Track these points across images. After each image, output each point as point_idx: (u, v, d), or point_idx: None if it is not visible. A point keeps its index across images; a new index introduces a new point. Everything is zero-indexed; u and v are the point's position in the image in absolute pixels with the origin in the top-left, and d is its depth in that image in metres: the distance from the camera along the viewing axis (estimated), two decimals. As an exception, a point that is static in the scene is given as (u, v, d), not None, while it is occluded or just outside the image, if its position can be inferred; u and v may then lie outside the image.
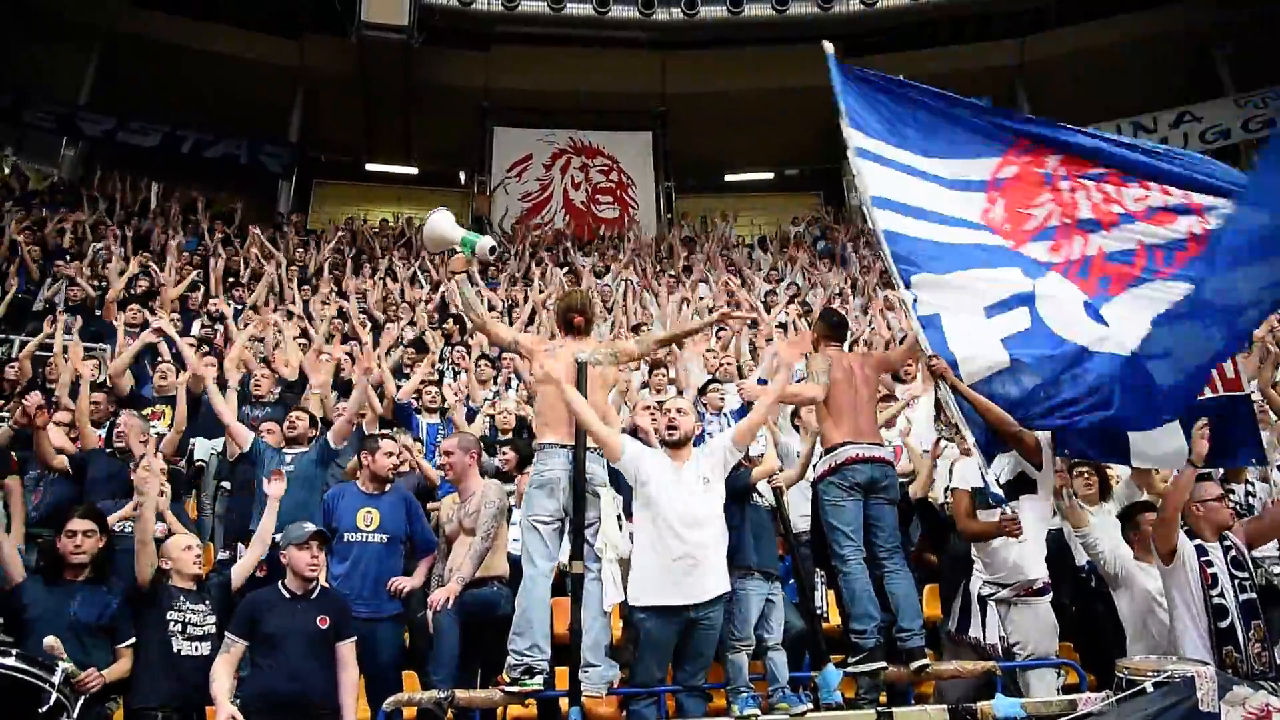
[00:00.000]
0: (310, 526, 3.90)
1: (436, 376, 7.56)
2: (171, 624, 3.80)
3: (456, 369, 8.18)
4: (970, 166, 4.66)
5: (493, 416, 6.66)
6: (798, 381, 4.70)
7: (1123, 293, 4.13)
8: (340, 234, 13.54)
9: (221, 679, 3.60)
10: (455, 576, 4.33)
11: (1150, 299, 3.99)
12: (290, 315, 8.61)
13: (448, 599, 4.23)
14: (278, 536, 4.13)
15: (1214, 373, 3.96)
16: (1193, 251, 4.02)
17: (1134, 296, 4.08)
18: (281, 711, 3.62)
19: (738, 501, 4.16)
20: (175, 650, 3.73)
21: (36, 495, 5.05)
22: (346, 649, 3.85)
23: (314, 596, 3.84)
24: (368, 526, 4.46)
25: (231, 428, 5.32)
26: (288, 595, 3.81)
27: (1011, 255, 4.40)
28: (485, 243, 4.30)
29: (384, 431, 4.96)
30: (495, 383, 7.71)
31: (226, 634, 3.74)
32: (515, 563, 4.55)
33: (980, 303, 4.28)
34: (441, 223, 4.43)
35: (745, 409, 5.61)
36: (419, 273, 11.96)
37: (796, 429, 5.73)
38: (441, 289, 10.77)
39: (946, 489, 5.02)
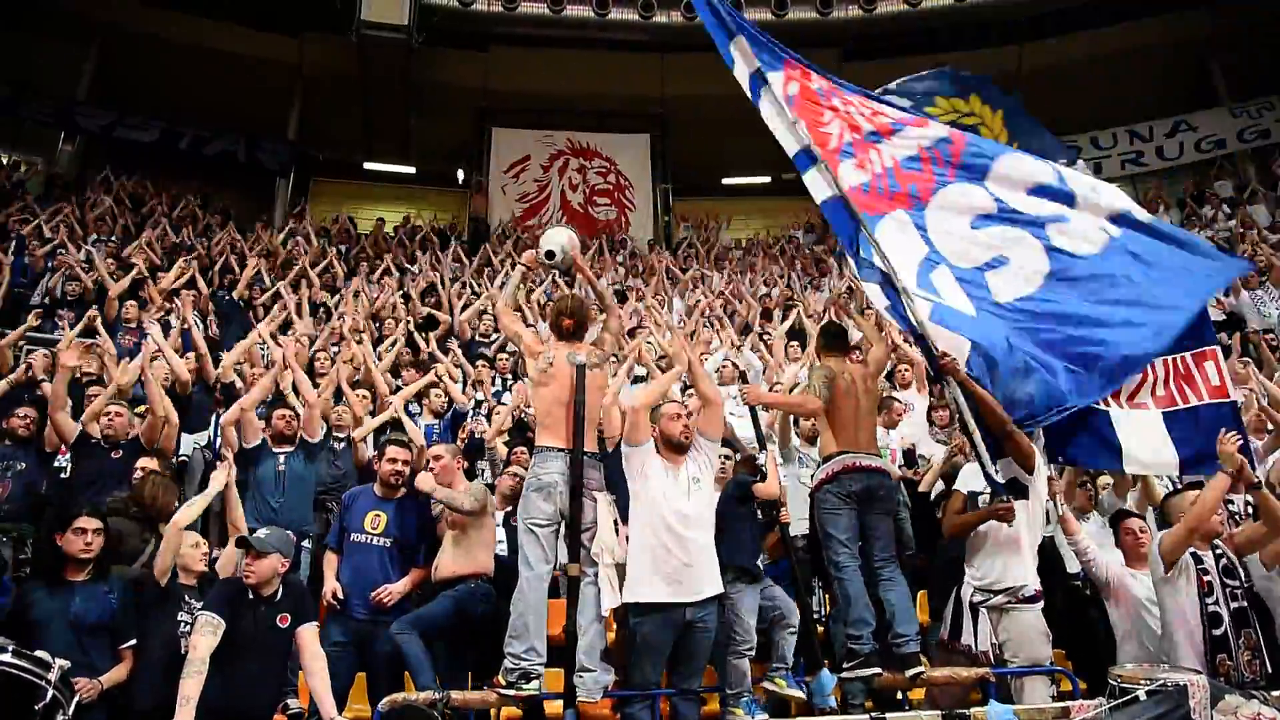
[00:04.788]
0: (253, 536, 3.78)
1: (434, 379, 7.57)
2: (182, 624, 3.78)
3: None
4: (773, 82, 4.62)
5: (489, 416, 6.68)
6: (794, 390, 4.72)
7: (931, 199, 4.31)
8: (316, 234, 13.47)
9: (195, 677, 3.35)
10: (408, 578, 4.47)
11: (956, 204, 4.26)
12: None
13: (390, 594, 4.35)
14: (263, 533, 3.96)
15: (1199, 378, 4.02)
16: (959, 145, 4.35)
17: (942, 202, 4.29)
18: None
19: (733, 507, 4.21)
20: (182, 651, 3.61)
21: (4, 486, 5.04)
22: (307, 634, 3.72)
23: (278, 598, 3.71)
24: (373, 529, 4.49)
25: (248, 421, 5.37)
26: (252, 596, 3.66)
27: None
28: (546, 249, 4.32)
29: (395, 437, 4.96)
30: (494, 382, 7.73)
31: (206, 613, 3.53)
32: (504, 562, 4.58)
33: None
34: (555, 235, 4.43)
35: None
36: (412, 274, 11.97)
37: (798, 437, 5.76)
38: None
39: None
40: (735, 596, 4.04)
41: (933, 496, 5.44)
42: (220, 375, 6.65)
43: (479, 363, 7.86)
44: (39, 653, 3.13)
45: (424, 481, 4.51)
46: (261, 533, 3.79)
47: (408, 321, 9.31)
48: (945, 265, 4.20)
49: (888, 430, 6.24)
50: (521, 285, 4.50)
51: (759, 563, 4.31)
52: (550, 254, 4.28)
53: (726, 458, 4.82)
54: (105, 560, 3.86)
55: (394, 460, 4.62)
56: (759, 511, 4.37)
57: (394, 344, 8.21)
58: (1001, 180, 4.33)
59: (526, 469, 5.25)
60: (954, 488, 4.64)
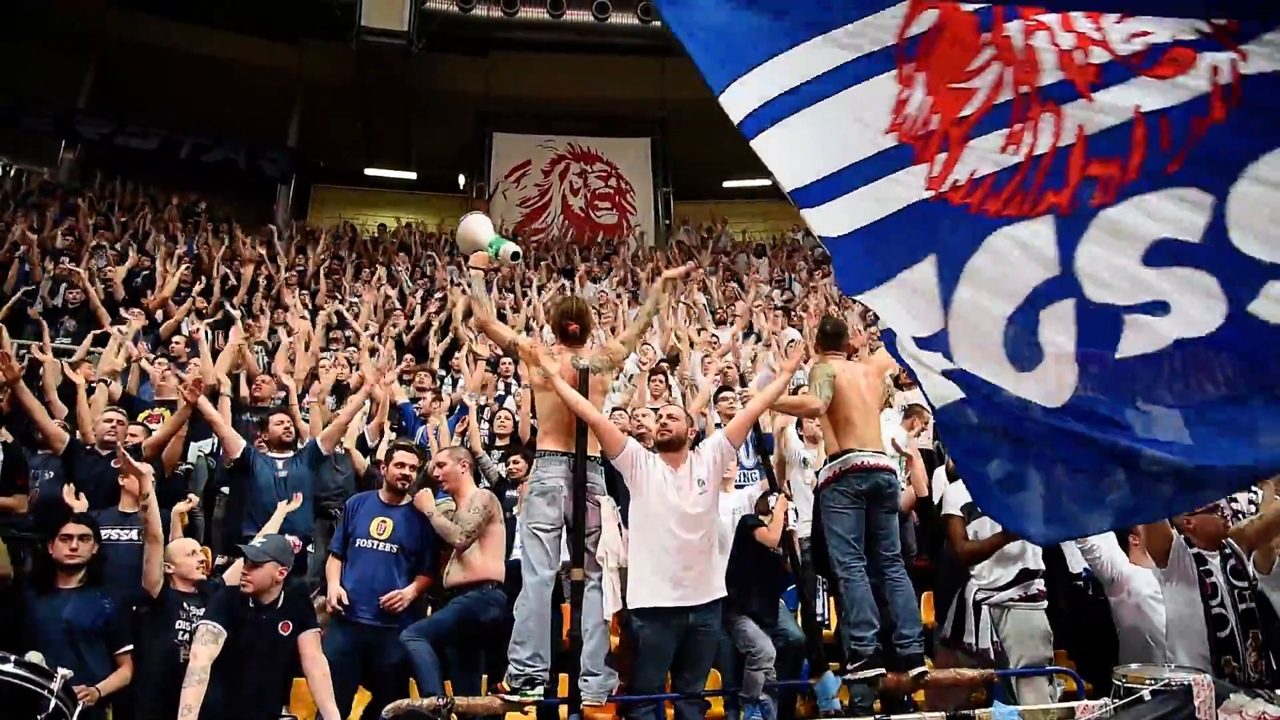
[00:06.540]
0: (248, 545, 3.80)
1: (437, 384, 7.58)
2: (180, 633, 3.77)
3: (457, 376, 8.19)
4: (864, 31, 2.81)
5: (490, 421, 6.68)
6: (797, 391, 4.71)
7: (1113, 204, 2.50)
8: (324, 239, 13.50)
9: (197, 686, 3.34)
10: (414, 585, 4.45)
11: (1139, 225, 2.44)
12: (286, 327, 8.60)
13: (401, 599, 4.32)
14: (259, 541, 3.95)
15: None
16: (1217, 115, 2.33)
17: (1121, 215, 2.48)
18: None
19: (738, 547, 4.25)
20: (181, 661, 3.59)
21: (33, 495, 5.01)
22: (309, 641, 3.71)
23: (279, 606, 3.71)
24: (380, 535, 4.48)
25: (225, 436, 5.31)
26: (252, 604, 3.65)
27: (930, 205, 2.74)
28: (509, 248, 4.27)
29: (402, 442, 4.94)
30: (496, 387, 7.73)
31: (207, 622, 3.54)
32: (511, 568, 4.56)
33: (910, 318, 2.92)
34: (476, 225, 4.44)
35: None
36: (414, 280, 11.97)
37: (801, 439, 5.75)
38: (443, 295, 10.77)
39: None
40: (742, 625, 4.10)
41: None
42: (216, 385, 6.63)
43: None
44: (30, 655, 3.11)
45: (422, 503, 4.53)
46: (257, 541, 3.78)
47: (405, 328, 9.34)
48: (1072, 298, 2.58)
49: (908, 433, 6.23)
50: (488, 293, 4.49)
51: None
52: (516, 254, 4.28)
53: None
54: (98, 567, 3.85)
55: (401, 465, 4.61)
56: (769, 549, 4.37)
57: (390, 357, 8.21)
58: (1244, 201, 2.33)
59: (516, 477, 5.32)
60: (948, 512, 4.64)
